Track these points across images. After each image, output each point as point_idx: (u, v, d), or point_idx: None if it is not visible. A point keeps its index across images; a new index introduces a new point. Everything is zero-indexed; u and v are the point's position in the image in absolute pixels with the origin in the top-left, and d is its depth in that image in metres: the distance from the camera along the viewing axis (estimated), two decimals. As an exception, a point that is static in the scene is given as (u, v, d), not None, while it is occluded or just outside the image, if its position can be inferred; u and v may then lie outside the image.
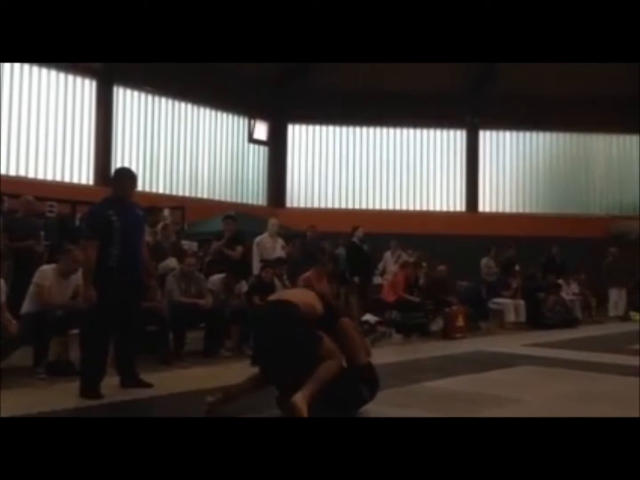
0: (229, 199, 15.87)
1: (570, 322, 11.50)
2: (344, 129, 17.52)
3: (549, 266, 12.76)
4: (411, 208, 17.55)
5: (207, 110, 15.79)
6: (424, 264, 11.27)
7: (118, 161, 13.52)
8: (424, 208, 17.61)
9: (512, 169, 17.96)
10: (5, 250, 7.10)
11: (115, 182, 5.15)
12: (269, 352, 3.98)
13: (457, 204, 17.79)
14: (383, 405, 4.16)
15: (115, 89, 13.81)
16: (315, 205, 17.32)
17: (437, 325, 9.84)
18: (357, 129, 17.56)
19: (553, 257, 13.05)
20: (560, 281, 12.30)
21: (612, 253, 13.50)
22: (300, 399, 3.53)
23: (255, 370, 4.26)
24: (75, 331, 5.50)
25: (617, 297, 13.33)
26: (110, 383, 4.92)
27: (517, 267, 12.38)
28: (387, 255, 11.44)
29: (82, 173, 13.32)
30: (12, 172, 12.01)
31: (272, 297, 4.56)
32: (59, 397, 4.72)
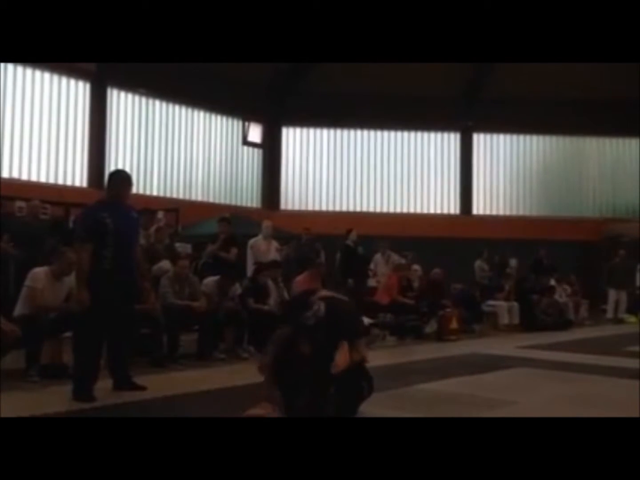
0: (223, 202, 15.82)
1: (563, 324, 11.54)
2: (338, 131, 17.52)
3: (536, 268, 12.79)
4: (405, 210, 17.56)
5: (202, 113, 15.76)
6: (418, 267, 11.26)
7: (112, 163, 13.45)
8: (418, 210, 17.62)
9: (506, 172, 17.99)
10: (5, 254, 7.07)
11: (110, 185, 5.13)
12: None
13: (451, 206, 17.81)
14: (377, 408, 4.15)
15: (109, 91, 13.75)
16: (310, 207, 17.31)
17: (431, 327, 9.84)
18: (351, 132, 17.56)
19: (540, 259, 13.07)
20: (553, 283, 12.34)
21: (620, 255, 13.54)
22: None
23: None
24: (68, 334, 5.48)
25: (615, 299, 13.37)
26: (103, 386, 4.89)
27: (509, 270, 12.40)
28: (378, 257, 11.38)
29: (76, 175, 13.27)
30: (5, 174, 11.97)
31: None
32: (51, 400, 4.69)
